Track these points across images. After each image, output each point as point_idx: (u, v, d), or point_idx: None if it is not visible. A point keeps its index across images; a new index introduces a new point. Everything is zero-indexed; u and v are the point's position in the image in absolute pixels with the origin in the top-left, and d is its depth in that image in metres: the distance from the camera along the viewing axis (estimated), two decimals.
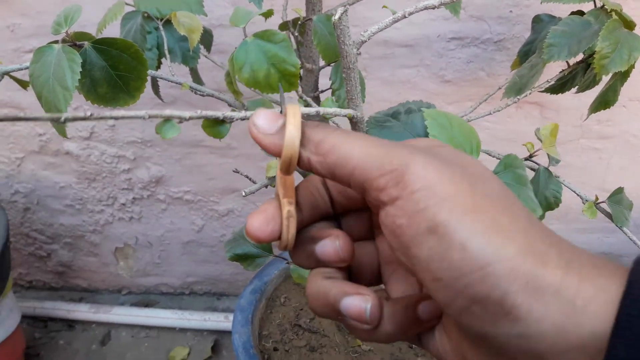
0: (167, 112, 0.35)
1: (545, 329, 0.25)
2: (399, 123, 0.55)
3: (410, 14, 0.45)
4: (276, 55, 0.54)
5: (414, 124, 0.55)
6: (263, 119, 0.31)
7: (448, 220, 0.26)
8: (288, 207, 0.32)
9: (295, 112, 0.31)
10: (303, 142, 0.30)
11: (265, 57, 0.54)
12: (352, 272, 0.35)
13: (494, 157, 0.70)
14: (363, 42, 0.45)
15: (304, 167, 0.31)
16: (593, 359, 0.24)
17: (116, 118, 0.32)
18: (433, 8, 0.45)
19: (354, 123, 0.53)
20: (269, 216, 0.32)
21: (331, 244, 0.33)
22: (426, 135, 0.52)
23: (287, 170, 0.31)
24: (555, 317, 0.25)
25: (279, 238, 0.33)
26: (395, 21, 0.45)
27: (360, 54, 0.46)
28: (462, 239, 0.26)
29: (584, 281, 0.25)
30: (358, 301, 0.31)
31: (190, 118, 0.38)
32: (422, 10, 0.46)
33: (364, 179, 0.29)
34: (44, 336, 1.42)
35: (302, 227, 0.34)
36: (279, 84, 0.53)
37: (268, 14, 0.59)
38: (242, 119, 0.43)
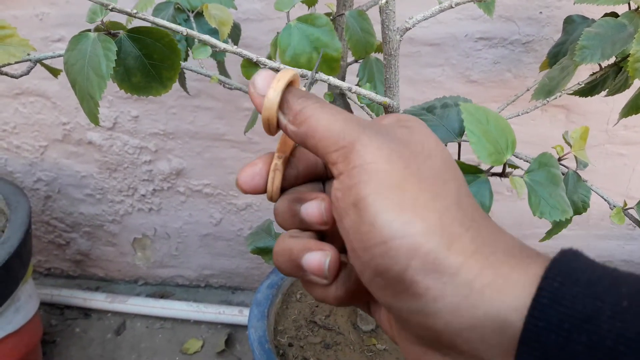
0: (205, 36, 0.34)
1: (441, 308, 0.26)
2: (435, 117, 0.54)
3: (457, 4, 0.45)
4: (319, 39, 0.54)
5: (450, 117, 0.54)
6: (261, 79, 0.33)
7: (368, 195, 0.28)
8: (276, 161, 0.35)
9: (282, 77, 0.32)
10: (284, 109, 0.32)
11: (308, 41, 0.54)
12: (328, 238, 0.36)
13: (521, 159, 0.69)
14: (407, 29, 0.45)
15: (285, 132, 0.33)
16: (485, 339, 0.25)
17: (153, 23, 0.34)
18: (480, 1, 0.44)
19: (389, 111, 0.53)
20: (256, 170, 0.35)
21: (317, 205, 0.34)
22: (462, 129, 0.52)
23: (268, 130, 0.33)
24: (452, 298, 0.26)
25: (265, 191, 0.35)
26: (442, 10, 0.45)
27: (402, 40, 0.46)
28: (373, 213, 0.27)
29: (487, 267, 0.26)
30: (319, 256, 0.32)
31: (225, 50, 0.38)
32: (469, 1, 0.45)
33: (324, 152, 0.30)
34: (60, 323, 1.43)
35: (295, 184, 0.36)
36: (316, 64, 0.52)
37: (311, 3, 0.59)
38: (273, 68, 0.44)
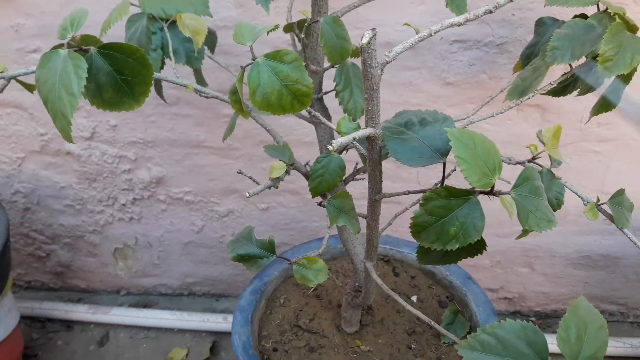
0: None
1: None
2: (416, 136, 0.55)
3: (436, 32, 0.46)
4: (288, 75, 0.54)
5: (432, 136, 0.55)
6: None
7: None
8: None
9: None
10: None
11: (277, 79, 0.54)
12: None
13: (503, 161, 0.70)
14: (387, 62, 0.46)
15: None
16: None
17: None
18: (459, 25, 0.45)
19: (372, 140, 0.53)
20: None
21: None
22: (446, 150, 0.53)
23: None
24: None
25: None
26: (421, 40, 0.46)
27: (383, 73, 0.46)
28: None
29: None
30: None
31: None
32: (447, 28, 0.46)
33: None
34: (42, 337, 1.42)
35: None
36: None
37: (273, 29, 0.59)
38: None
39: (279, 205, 1.32)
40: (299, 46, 0.77)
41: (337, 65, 0.73)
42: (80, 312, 1.43)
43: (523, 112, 1.11)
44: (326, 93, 0.79)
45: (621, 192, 0.75)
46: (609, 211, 0.74)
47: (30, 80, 0.69)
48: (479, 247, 0.55)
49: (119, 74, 0.53)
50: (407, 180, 1.23)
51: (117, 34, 0.68)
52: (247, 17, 1.03)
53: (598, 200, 0.74)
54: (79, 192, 1.33)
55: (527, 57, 0.84)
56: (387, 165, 1.19)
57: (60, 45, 0.53)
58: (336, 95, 0.74)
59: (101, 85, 0.53)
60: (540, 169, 0.67)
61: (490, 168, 0.49)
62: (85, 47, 0.53)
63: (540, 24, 0.83)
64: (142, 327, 1.44)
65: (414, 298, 1.04)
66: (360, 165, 0.79)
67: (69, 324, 1.45)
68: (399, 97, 1.10)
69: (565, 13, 0.83)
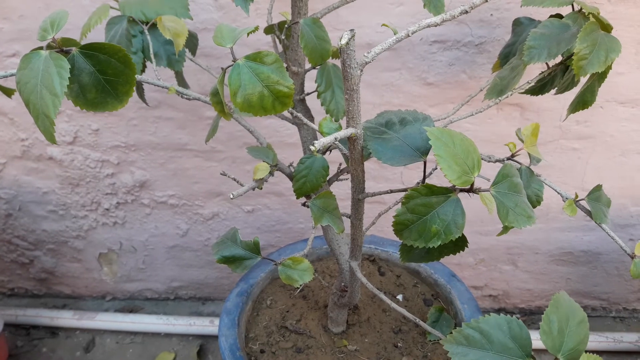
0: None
1: None
2: (396, 135, 0.56)
3: (414, 32, 0.46)
4: (269, 77, 0.55)
5: (412, 135, 0.56)
6: None
7: None
8: None
9: None
10: None
11: (258, 80, 0.55)
12: None
13: (483, 159, 0.71)
14: (366, 63, 0.46)
15: None
16: None
17: None
18: (435, 26, 0.46)
19: (353, 140, 0.54)
20: None
21: None
22: (426, 148, 0.54)
23: None
24: None
25: None
26: (399, 41, 0.46)
27: (362, 73, 0.47)
28: None
29: None
30: None
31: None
32: (424, 28, 0.47)
33: None
34: (26, 344, 1.40)
35: None
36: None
37: (252, 31, 0.59)
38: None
39: (264, 207, 1.32)
40: (280, 48, 0.78)
41: (318, 67, 0.74)
42: (65, 318, 1.42)
43: (503, 111, 1.12)
44: (308, 94, 0.80)
45: (598, 188, 0.76)
46: (588, 207, 0.75)
47: (9, 84, 0.69)
48: (460, 244, 0.56)
49: (101, 74, 0.53)
50: (391, 180, 1.24)
51: (96, 38, 0.68)
52: (228, 19, 1.03)
53: (576, 196, 0.76)
54: (61, 197, 1.32)
55: (505, 56, 0.86)
56: (371, 165, 1.19)
57: (41, 47, 0.53)
58: (318, 96, 0.75)
59: (84, 85, 0.53)
60: (519, 166, 0.68)
61: (469, 166, 0.50)
62: (67, 48, 0.53)
63: (518, 23, 0.85)
64: (128, 332, 1.43)
65: (399, 297, 1.05)
66: (344, 165, 0.80)
67: (54, 331, 1.44)
68: (381, 98, 1.11)
69: (541, 13, 0.84)
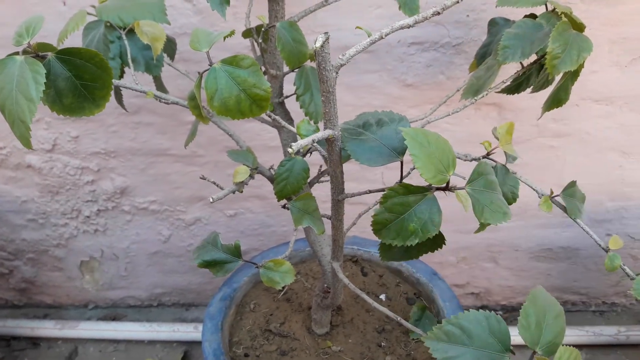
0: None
1: None
2: (373, 136, 0.57)
3: (387, 34, 0.47)
4: (246, 80, 0.55)
5: (389, 136, 0.57)
6: None
7: None
8: None
9: None
10: None
11: (235, 83, 0.55)
12: None
13: (459, 158, 0.72)
14: (342, 65, 0.47)
15: None
16: None
17: None
18: (408, 27, 0.47)
19: (331, 141, 0.55)
20: None
21: None
22: (403, 148, 0.55)
23: None
24: None
25: None
26: (373, 43, 0.47)
27: (338, 76, 0.48)
28: None
29: None
30: None
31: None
32: (397, 30, 0.48)
33: None
34: (7, 355, 1.38)
35: None
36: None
37: (229, 35, 0.60)
38: None
39: (247, 210, 1.32)
40: (259, 51, 0.78)
41: (296, 70, 0.74)
42: (47, 328, 1.40)
43: (481, 111, 1.13)
44: (287, 97, 0.80)
45: (573, 184, 0.77)
46: (563, 203, 0.77)
47: None
48: (438, 241, 0.57)
49: (78, 79, 0.53)
50: (372, 181, 1.25)
51: (74, 44, 0.68)
52: (206, 23, 1.03)
53: (552, 192, 0.77)
54: (41, 206, 1.31)
55: (482, 56, 0.87)
56: (352, 167, 1.20)
57: (17, 52, 0.53)
58: (297, 99, 0.75)
59: (60, 90, 0.53)
60: (495, 164, 0.69)
61: (444, 165, 0.51)
62: (43, 53, 0.53)
63: (493, 24, 0.86)
64: (111, 341, 1.42)
65: (382, 296, 1.06)
66: (325, 167, 0.80)
67: (35, 341, 1.42)
68: (361, 100, 1.12)
69: (516, 13, 0.85)
